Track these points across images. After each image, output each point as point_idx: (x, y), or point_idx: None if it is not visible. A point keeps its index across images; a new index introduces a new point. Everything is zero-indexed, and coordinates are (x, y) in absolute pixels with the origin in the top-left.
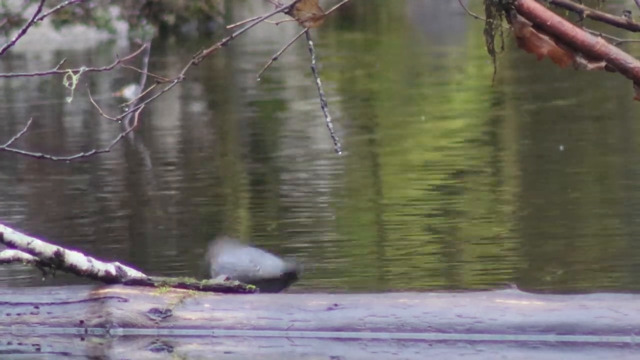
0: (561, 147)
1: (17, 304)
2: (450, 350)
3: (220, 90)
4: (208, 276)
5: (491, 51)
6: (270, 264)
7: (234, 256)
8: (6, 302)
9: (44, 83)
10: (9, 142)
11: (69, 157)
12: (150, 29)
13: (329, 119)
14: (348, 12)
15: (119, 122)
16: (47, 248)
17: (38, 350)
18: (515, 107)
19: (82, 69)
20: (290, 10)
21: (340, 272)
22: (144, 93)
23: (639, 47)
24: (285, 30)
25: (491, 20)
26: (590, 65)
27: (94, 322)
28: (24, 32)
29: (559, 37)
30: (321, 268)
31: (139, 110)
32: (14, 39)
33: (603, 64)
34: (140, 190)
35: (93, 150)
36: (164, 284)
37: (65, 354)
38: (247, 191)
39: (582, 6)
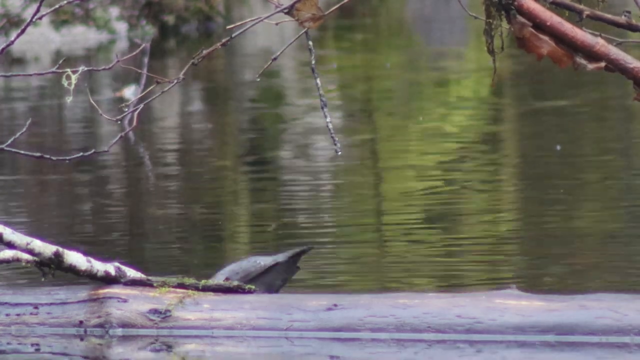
0: (558, 147)
1: (16, 305)
2: (450, 350)
3: (220, 90)
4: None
5: (491, 51)
6: (266, 258)
7: (233, 264)
8: (5, 303)
9: (43, 86)
10: (9, 142)
11: (68, 157)
12: (150, 30)
13: (328, 119)
14: (348, 12)
15: (119, 122)
16: (47, 248)
17: (37, 350)
18: (514, 107)
19: (81, 68)
20: (290, 11)
21: (340, 272)
22: (143, 93)
23: (639, 46)
24: (285, 30)
25: (491, 20)
26: (590, 66)
27: (93, 323)
28: (23, 31)
29: (558, 37)
30: (321, 268)
31: (138, 111)
32: (13, 38)
33: (603, 64)
34: (140, 190)
35: (92, 150)
36: (163, 285)
37: (64, 354)
38: (246, 191)
39: (582, 6)
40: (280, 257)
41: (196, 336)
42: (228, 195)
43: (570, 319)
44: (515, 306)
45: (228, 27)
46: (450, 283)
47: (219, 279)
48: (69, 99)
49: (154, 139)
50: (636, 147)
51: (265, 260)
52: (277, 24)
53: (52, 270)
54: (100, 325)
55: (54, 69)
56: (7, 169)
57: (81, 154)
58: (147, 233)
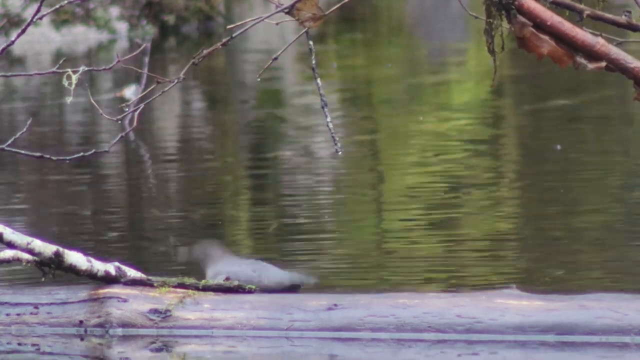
0: (558, 147)
1: (16, 304)
2: (450, 350)
3: (220, 89)
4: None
5: (491, 51)
6: (274, 274)
7: (236, 266)
8: (6, 302)
9: (44, 84)
10: (9, 142)
11: (68, 157)
12: (150, 29)
13: (329, 119)
14: (348, 12)
15: (119, 122)
16: (47, 248)
17: (37, 350)
18: (515, 107)
19: (81, 68)
20: (290, 11)
21: (340, 272)
22: (144, 93)
23: (639, 47)
24: (285, 30)
25: (491, 20)
26: (590, 65)
27: (94, 322)
28: (23, 31)
29: (559, 37)
30: (321, 268)
31: (138, 110)
32: (13, 38)
33: (603, 64)
34: (140, 190)
35: (93, 150)
36: (163, 284)
37: (64, 354)
38: (246, 191)
39: (582, 6)
40: (286, 279)
41: (196, 336)
42: (228, 195)
43: (570, 319)
44: (515, 306)
45: (228, 26)
46: (450, 283)
47: (219, 274)
48: (69, 99)
49: (154, 139)
50: (636, 147)
51: (269, 278)
52: (277, 23)
53: (52, 270)
54: (101, 325)
55: (54, 69)
56: (7, 168)
57: (81, 153)
58: (147, 233)
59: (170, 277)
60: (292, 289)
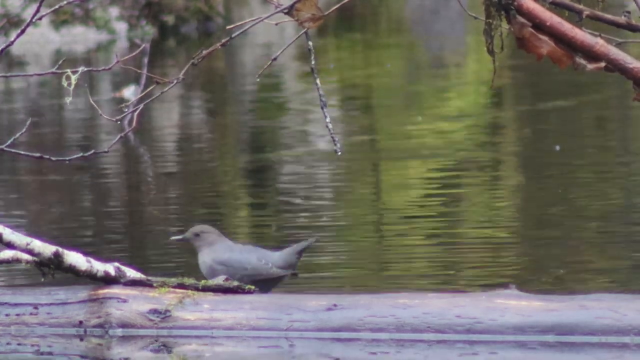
0: (557, 147)
1: (16, 305)
2: (450, 350)
3: (219, 90)
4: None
5: (491, 52)
6: (278, 257)
7: (239, 254)
8: (5, 303)
9: (44, 84)
10: (9, 142)
11: (68, 158)
12: (149, 30)
13: (328, 119)
14: (347, 13)
15: (118, 122)
16: (46, 248)
17: (37, 350)
18: (514, 107)
19: (80, 69)
20: (289, 11)
21: (340, 272)
22: (143, 94)
23: (639, 46)
24: (284, 30)
25: (491, 20)
26: (590, 66)
27: (93, 323)
28: (22, 32)
29: (558, 37)
30: (321, 268)
31: (138, 111)
32: (13, 39)
33: (602, 64)
34: (140, 190)
35: (92, 151)
36: (163, 285)
37: (64, 354)
38: (247, 192)
39: (581, 7)
40: (292, 255)
41: (196, 336)
42: (229, 196)
43: (570, 319)
44: (515, 306)
45: (228, 27)
46: (450, 283)
47: (215, 261)
48: (68, 100)
49: (154, 139)
50: (636, 146)
51: (275, 263)
52: (277, 24)
53: (51, 271)
54: (100, 326)
55: (54, 70)
56: (7, 169)
57: (81, 154)
58: (147, 233)
59: (170, 277)
60: (298, 257)
